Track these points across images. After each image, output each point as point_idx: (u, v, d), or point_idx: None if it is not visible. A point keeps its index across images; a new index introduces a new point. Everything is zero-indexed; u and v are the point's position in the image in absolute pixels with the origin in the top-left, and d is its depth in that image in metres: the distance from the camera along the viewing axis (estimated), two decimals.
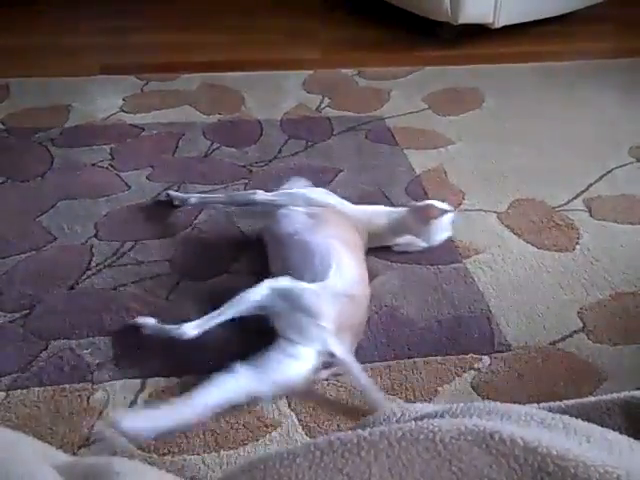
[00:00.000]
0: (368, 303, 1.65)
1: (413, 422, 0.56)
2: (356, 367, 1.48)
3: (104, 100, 2.68)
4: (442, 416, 0.62)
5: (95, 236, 1.96)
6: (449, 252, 1.92)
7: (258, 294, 1.54)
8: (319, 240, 1.66)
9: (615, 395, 0.71)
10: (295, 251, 1.66)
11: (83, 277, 1.81)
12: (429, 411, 0.66)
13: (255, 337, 1.60)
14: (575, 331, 1.69)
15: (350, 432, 0.57)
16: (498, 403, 0.63)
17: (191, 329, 1.55)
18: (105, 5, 3.57)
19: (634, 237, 2.00)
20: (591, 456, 0.53)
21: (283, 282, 1.54)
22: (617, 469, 0.53)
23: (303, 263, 1.62)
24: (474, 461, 0.53)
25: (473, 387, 1.54)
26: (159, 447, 1.38)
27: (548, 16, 3.31)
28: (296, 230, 1.72)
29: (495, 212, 2.09)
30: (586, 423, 0.61)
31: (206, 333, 1.60)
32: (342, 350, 1.48)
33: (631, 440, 0.60)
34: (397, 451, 0.54)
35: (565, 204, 2.14)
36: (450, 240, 1.94)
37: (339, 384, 1.53)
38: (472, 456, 0.54)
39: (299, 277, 1.56)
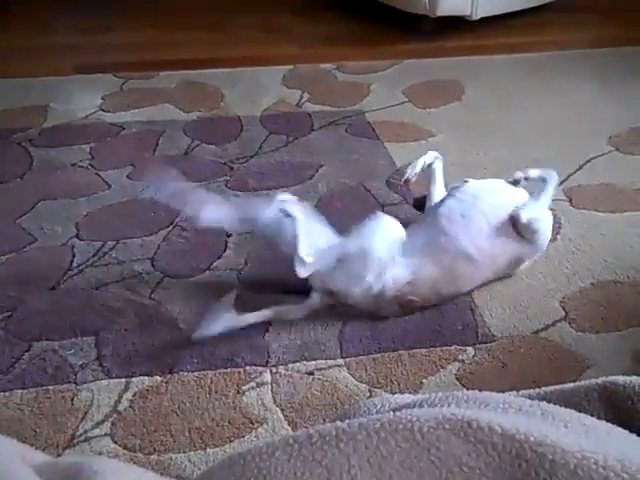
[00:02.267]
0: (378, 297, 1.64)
1: (391, 413, 0.56)
2: None
3: (83, 99, 2.67)
4: (421, 406, 0.62)
5: (76, 236, 1.95)
6: None
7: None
8: (429, 234, 1.71)
9: (593, 381, 0.72)
10: (418, 228, 1.75)
11: (65, 277, 1.80)
12: (408, 401, 0.66)
13: (241, 340, 1.61)
14: (558, 320, 1.69)
15: (329, 424, 0.57)
16: (477, 391, 0.63)
17: None
18: (82, 4, 3.55)
19: (614, 225, 2.01)
20: (569, 442, 0.54)
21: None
22: (594, 454, 0.53)
23: (410, 236, 1.71)
24: (452, 449, 0.54)
25: (458, 378, 1.54)
26: (145, 446, 1.37)
27: (525, 7, 3.33)
28: (433, 220, 1.75)
29: None
30: (564, 409, 0.61)
31: (191, 332, 1.62)
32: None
33: (608, 425, 0.60)
34: (376, 442, 0.54)
35: None
36: None
37: (324, 378, 1.53)
38: (450, 445, 0.54)
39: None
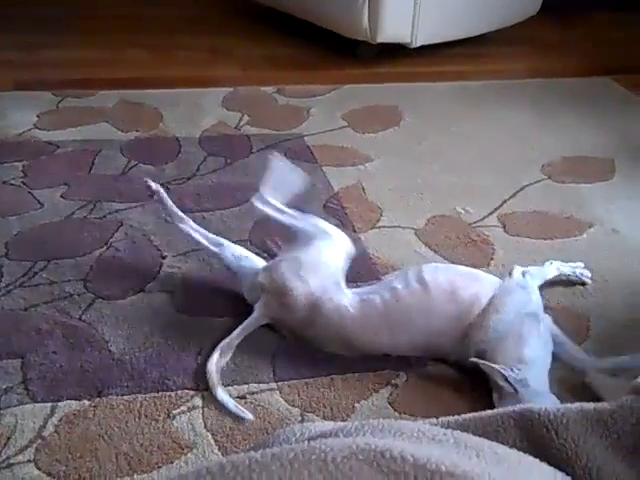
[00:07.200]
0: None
1: (306, 442, 0.56)
2: (245, 325, 1.62)
3: (17, 116, 2.62)
4: (337, 435, 0.62)
5: (5, 256, 1.90)
6: (367, 269, 1.93)
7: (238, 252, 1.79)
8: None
9: (510, 408, 0.73)
10: None
11: None
12: (325, 430, 0.66)
13: (172, 363, 1.59)
14: None
15: (242, 454, 0.56)
16: (392, 420, 0.63)
17: (182, 221, 1.84)
18: (19, 19, 3.50)
19: (546, 252, 2.04)
20: (479, 471, 0.54)
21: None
22: None
23: None
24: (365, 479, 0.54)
25: (390, 403, 1.54)
26: (69, 473, 1.34)
27: (464, 37, 3.39)
28: None
29: (413, 229, 2.11)
30: (477, 438, 0.62)
31: (121, 355, 1.59)
32: (257, 307, 1.65)
33: (520, 454, 0.61)
34: (289, 473, 0.54)
35: (480, 220, 2.18)
36: (368, 257, 1.96)
37: (256, 402, 1.52)
38: (363, 475, 0.54)
39: None
